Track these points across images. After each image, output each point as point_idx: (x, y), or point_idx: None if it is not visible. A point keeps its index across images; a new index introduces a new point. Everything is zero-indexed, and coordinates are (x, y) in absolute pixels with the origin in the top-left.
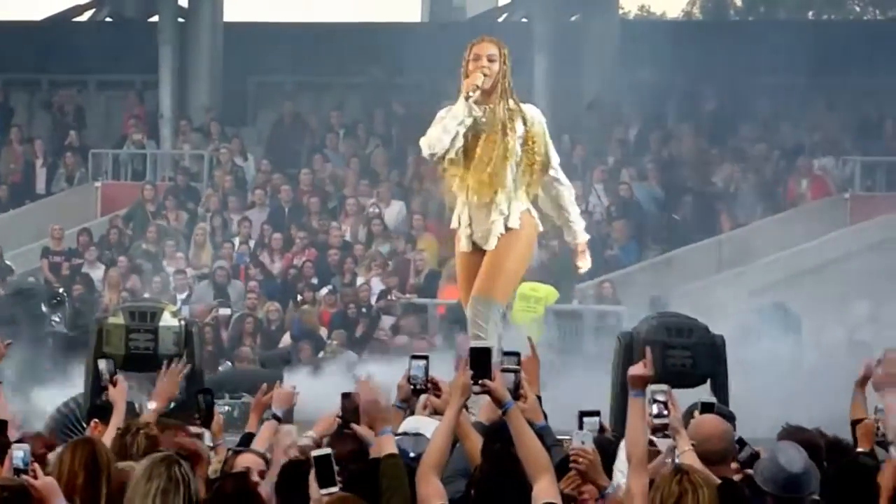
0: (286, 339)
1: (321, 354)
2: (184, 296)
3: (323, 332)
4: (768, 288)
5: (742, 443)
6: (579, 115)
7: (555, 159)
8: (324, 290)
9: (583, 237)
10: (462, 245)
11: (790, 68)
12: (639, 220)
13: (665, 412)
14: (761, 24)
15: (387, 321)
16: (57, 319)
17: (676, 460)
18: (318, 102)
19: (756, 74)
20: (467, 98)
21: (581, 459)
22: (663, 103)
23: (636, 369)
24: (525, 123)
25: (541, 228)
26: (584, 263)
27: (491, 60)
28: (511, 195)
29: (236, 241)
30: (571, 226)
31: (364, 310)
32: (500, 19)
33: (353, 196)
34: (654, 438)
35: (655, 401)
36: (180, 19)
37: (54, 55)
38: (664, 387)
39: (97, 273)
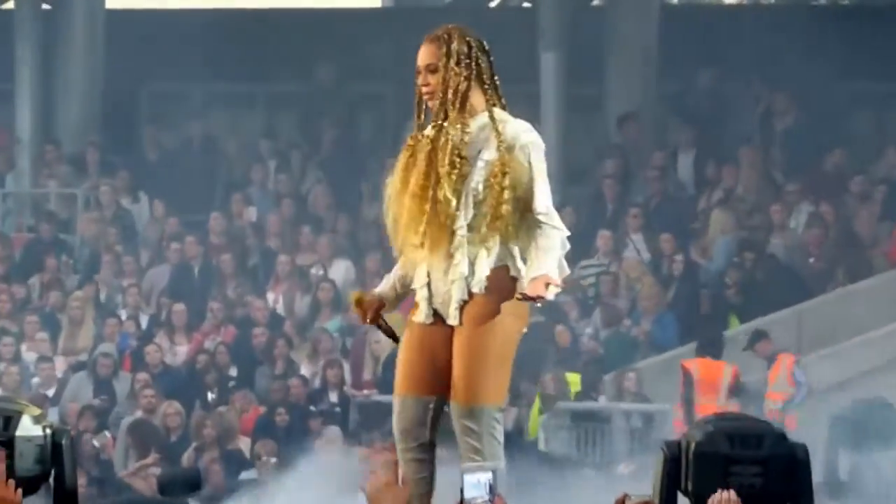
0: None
1: (243, 476)
2: (51, 392)
3: (245, 443)
4: (865, 376)
5: None
6: (605, 135)
7: (541, 199)
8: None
9: (536, 271)
10: (420, 314)
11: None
12: (690, 285)
13: None
14: (855, 9)
15: (332, 430)
16: None
17: None
18: (239, 120)
19: (851, 79)
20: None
21: None
22: (719, 119)
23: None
24: (500, 146)
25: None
26: (531, 290)
27: (431, 71)
28: (474, 245)
29: (123, 315)
30: (530, 263)
31: (300, 413)
32: (493, 3)
33: (286, 252)
34: None
35: None
36: (45, 6)
37: None
38: None
39: None
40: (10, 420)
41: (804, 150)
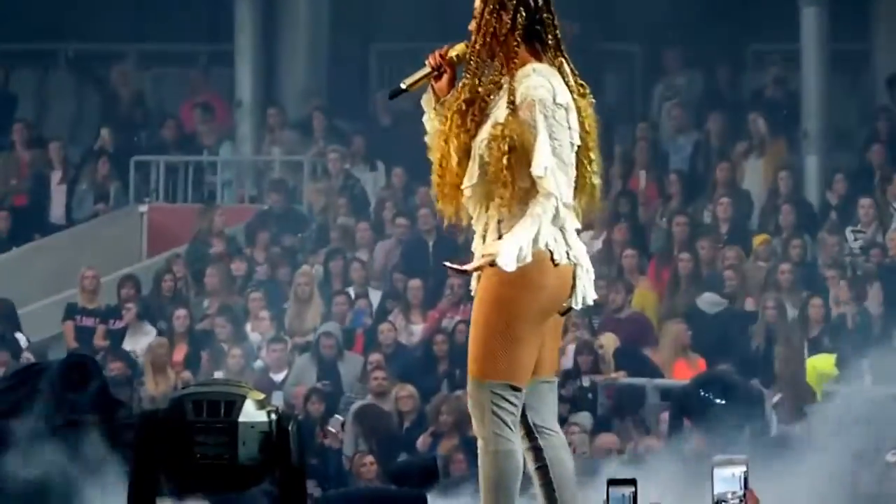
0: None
1: None
2: (280, 376)
3: None
4: None
5: None
6: (871, 95)
7: (539, 159)
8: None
9: (491, 248)
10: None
11: None
12: None
13: None
14: None
15: (581, 416)
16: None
17: None
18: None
19: None
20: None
21: None
22: None
23: None
24: (509, 105)
25: (528, 259)
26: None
27: (474, 18)
28: (492, 210)
29: (351, 292)
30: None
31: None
32: None
33: None
34: None
35: None
36: None
37: (75, 16)
38: None
39: (144, 342)
40: (233, 405)
41: None
